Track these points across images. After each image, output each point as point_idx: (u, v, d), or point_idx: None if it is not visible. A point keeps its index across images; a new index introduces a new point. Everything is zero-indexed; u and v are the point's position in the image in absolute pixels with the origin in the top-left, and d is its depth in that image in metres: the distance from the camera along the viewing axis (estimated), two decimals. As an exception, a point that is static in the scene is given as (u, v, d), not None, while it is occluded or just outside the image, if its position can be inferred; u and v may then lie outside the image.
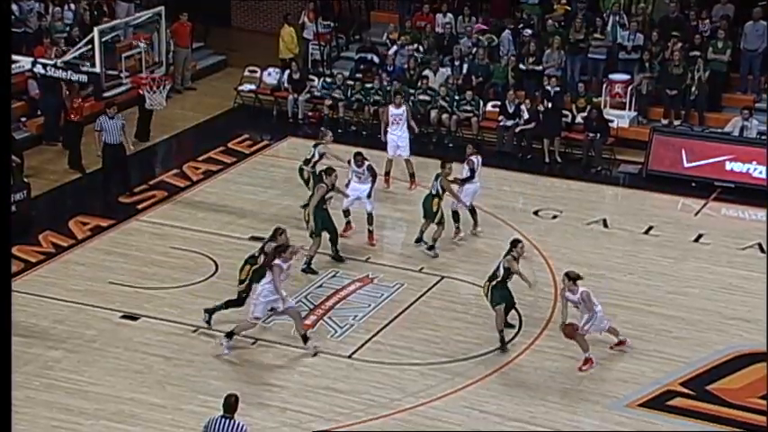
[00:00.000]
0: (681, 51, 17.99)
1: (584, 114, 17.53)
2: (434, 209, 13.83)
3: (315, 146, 14.86)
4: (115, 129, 15.49)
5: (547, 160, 17.33)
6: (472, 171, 14.30)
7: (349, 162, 14.55)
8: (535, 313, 12.77)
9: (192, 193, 16.06)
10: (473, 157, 14.37)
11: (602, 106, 17.93)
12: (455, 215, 14.36)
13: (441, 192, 13.81)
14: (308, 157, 14.85)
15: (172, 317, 12.54)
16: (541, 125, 17.41)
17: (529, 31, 19.12)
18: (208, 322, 12.20)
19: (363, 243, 14.32)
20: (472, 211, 14.58)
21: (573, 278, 11.65)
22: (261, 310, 11.56)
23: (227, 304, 12.17)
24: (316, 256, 13.59)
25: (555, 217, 15.53)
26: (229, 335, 11.72)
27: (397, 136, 15.97)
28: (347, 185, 14.41)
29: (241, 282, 12.14)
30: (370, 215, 14.31)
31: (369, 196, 14.27)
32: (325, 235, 13.65)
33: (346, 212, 14.45)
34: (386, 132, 16.09)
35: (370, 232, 14.33)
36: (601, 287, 13.33)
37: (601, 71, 18.67)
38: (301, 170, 14.88)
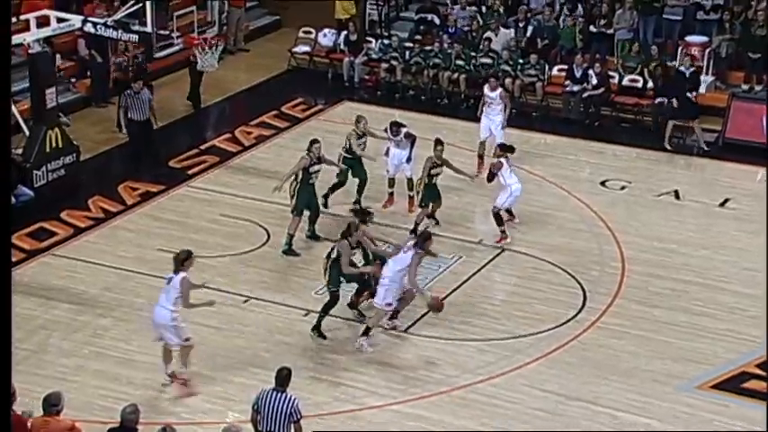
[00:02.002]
0: (766, 11, 17.17)
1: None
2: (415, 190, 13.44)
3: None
4: (141, 104, 14.99)
5: (668, 147, 16.08)
6: (492, 175, 13.26)
7: (385, 130, 14.12)
8: (600, 288, 12.35)
9: (243, 159, 15.80)
10: (501, 159, 13.20)
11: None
12: (508, 211, 13.45)
13: (424, 174, 13.14)
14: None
15: (221, 286, 12.26)
16: (679, 107, 16.19)
17: (601, -11, 18.41)
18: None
19: (403, 209, 13.91)
20: (505, 215, 13.40)
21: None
22: (392, 296, 11.07)
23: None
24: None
25: (623, 188, 15.04)
26: (365, 332, 11.16)
27: (491, 119, 15.05)
28: (386, 154, 14.02)
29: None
30: (410, 180, 13.93)
31: (408, 161, 13.86)
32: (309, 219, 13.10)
33: (391, 182, 14.05)
34: (482, 112, 15.34)
35: (411, 198, 13.93)
36: (671, 262, 13.00)
37: (676, 32, 17.96)
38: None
